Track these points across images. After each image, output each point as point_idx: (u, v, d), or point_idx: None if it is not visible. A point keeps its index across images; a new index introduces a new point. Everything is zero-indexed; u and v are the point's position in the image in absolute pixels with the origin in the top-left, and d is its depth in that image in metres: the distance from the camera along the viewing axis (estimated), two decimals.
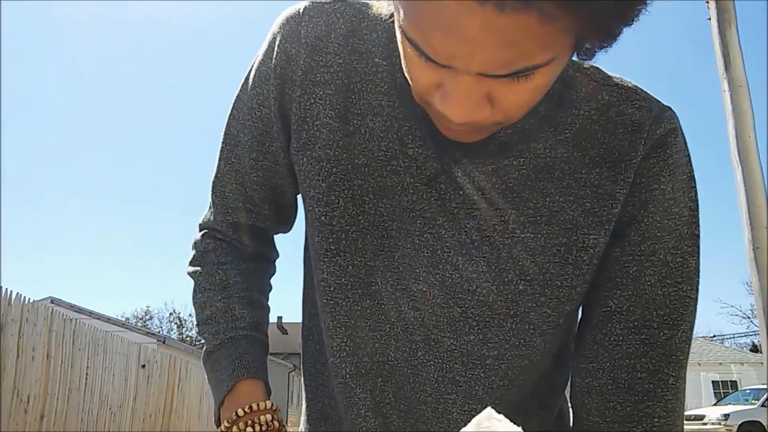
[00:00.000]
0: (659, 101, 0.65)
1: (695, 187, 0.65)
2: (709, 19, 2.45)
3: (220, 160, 0.75)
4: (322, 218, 0.67)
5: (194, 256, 0.78)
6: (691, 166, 0.65)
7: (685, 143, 0.64)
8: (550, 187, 0.63)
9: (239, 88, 0.73)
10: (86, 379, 6.99)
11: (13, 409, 5.44)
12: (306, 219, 0.72)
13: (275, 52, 0.68)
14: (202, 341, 0.76)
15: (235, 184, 0.74)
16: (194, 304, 0.76)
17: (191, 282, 0.78)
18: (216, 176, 0.76)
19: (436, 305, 0.66)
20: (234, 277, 0.75)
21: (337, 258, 0.67)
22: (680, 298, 0.63)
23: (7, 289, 5.41)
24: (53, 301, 12.45)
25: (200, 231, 0.79)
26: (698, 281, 0.65)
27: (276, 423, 0.68)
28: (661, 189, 0.62)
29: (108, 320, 13.30)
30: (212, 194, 0.76)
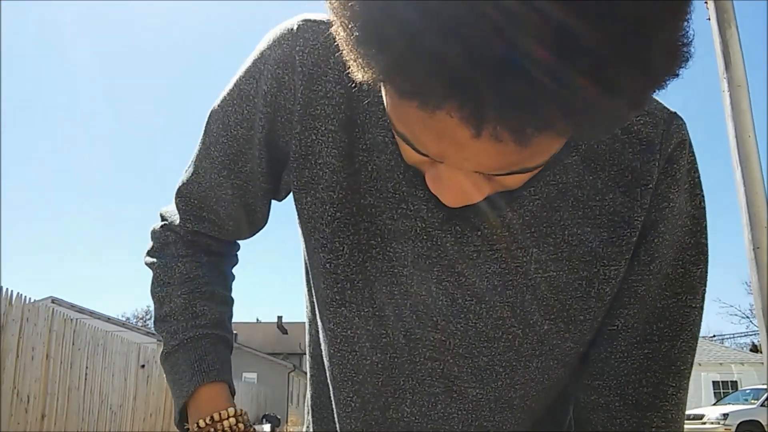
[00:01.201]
0: (663, 108, 0.61)
1: (701, 194, 0.62)
2: (709, 19, 2.45)
3: (191, 165, 0.71)
4: (327, 265, 0.63)
5: (153, 246, 0.74)
6: (697, 172, 0.62)
7: (692, 151, 0.62)
8: (567, 217, 0.59)
9: (218, 100, 0.67)
10: (86, 378, 6.98)
11: (14, 408, 5.44)
12: (307, 252, 0.67)
13: (265, 77, 0.61)
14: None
15: (200, 195, 0.69)
16: (152, 298, 0.72)
17: (149, 273, 0.73)
18: (183, 182, 0.71)
19: (458, 356, 0.62)
20: (195, 270, 0.71)
21: (343, 309, 0.64)
22: (680, 309, 0.62)
23: (7, 288, 5.41)
24: (54, 300, 12.46)
25: (161, 221, 0.74)
26: (703, 290, 0.63)
27: (241, 425, 0.66)
28: (670, 207, 0.60)
29: (108, 320, 13.31)
30: (176, 198, 0.72)
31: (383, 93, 0.44)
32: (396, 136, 0.48)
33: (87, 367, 7.02)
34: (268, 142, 0.63)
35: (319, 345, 0.72)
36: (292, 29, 0.61)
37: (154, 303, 0.72)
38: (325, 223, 0.62)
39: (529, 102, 0.33)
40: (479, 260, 0.59)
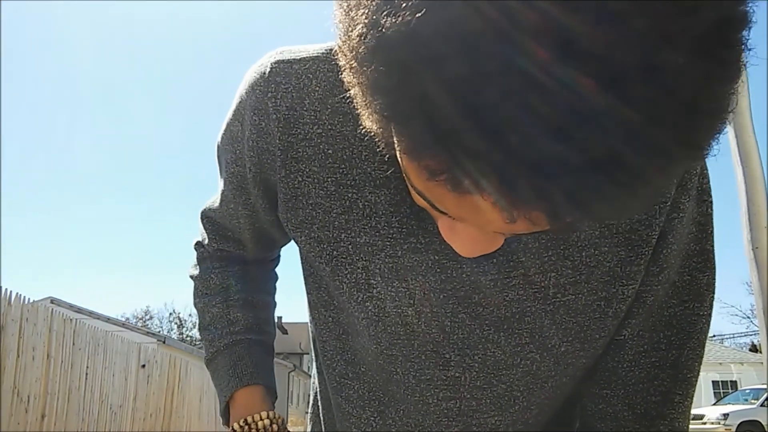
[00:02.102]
0: None
1: (708, 200, 0.60)
2: None
3: (217, 190, 0.73)
4: (334, 302, 0.64)
5: (195, 258, 0.80)
6: (706, 178, 0.60)
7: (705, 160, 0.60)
8: (584, 238, 0.57)
9: (219, 134, 0.68)
10: (86, 378, 6.98)
11: (14, 408, 5.44)
12: (307, 287, 0.68)
13: (245, 123, 0.61)
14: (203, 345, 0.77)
15: (221, 219, 0.73)
16: (195, 308, 0.78)
17: (190, 283, 0.79)
18: (207, 206, 0.76)
19: (475, 389, 0.61)
20: (228, 279, 0.76)
21: (359, 338, 0.64)
22: (686, 316, 0.61)
23: (7, 289, 5.42)
24: (53, 301, 12.44)
25: (199, 237, 0.79)
26: (711, 297, 0.62)
27: (275, 426, 0.68)
28: (680, 217, 0.58)
29: (108, 320, 13.28)
30: (201, 219, 0.77)
31: (395, 143, 0.38)
32: (409, 187, 0.44)
33: (87, 367, 7.02)
34: (261, 181, 0.64)
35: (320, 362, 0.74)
36: (264, 74, 0.60)
37: (198, 313, 0.77)
38: (325, 262, 0.61)
39: (573, 200, 0.31)
40: (496, 289, 0.58)
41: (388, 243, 0.58)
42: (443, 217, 0.43)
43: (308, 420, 0.84)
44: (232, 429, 0.69)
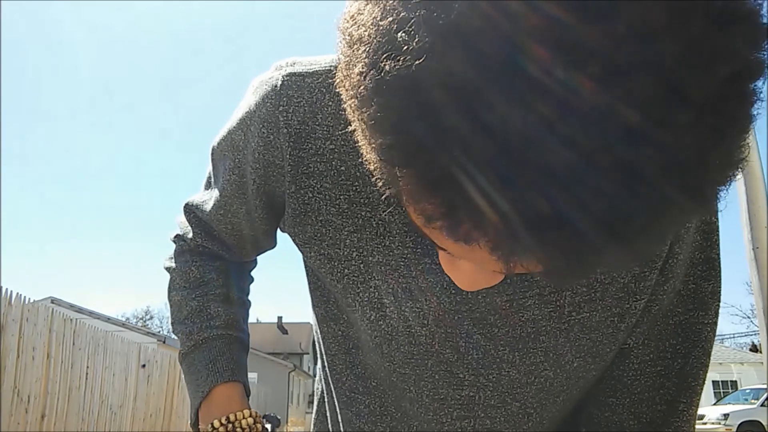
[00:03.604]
0: None
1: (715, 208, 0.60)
2: None
3: (202, 187, 0.72)
4: (344, 316, 0.63)
5: (172, 253, 0.77)
6: None
7: None
8: None
9: (217, 137, 0.66)
10: (86, 378, 6.98)
11: (14, 408, 5.43)
12: (313, 299, 0.68)
13: (252, 134, 0.60)
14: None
15: (207, 219, 0.71)
16: (170, 301, 0.74)
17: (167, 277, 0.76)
18: (194, 202, 0.73)
19: (489, 407, 0.61)
20: (209, 273, 0.73)
21: (371, 354, 0.63)
22: (691, 325, 0.61)
23: (7, 289, 5.41)
24: (53, 301, 12.44)
25: (174, 232, 0.77)
26: (716, 305, 0.61)
27: (259, 426, 0.67)
28: (687, 227, 0.58)
29: (108, 320, 13.28)
30: (186, 213, 0.74)
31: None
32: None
33: (87, 367, 7.02)
34: (265, 193, 0.62)
35: (327, 374, 0.73)
36: (276, 86, 0.58)
37: (172, 306, 0.74)
38: (336, 279, 0.60)
39: (571, 255, 0.31)
40: (512, 309, 0.57)
41: (401, 263, 0.57)
42: (443, 251, 0.42)
43: (312, 426, 0.83)
44: (212, 426, 0.65)
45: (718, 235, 0.60)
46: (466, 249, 0.35)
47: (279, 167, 0.59)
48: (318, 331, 0.71)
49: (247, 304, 0.77)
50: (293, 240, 0.63)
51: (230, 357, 0.70)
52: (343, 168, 0.57)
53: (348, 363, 0.67)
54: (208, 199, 0.70)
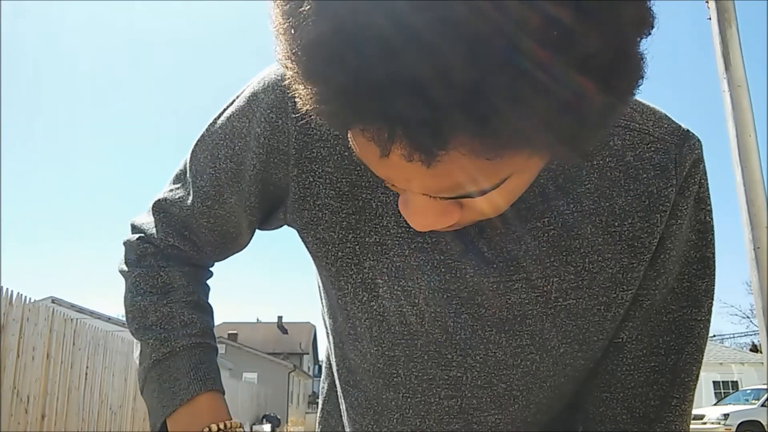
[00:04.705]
0: (674, 130, 0.59)
1: (706, 207, 0.61)
2: (709, 18, 2.45)
3: (174, 184, 0.70)
4: (339, 301, 0.64)
5: (129, 256, 0.72)
6: (705, 186, 0.60)
7: (704, 167, 0.60)
8: (585, 244, 0.58)
9: (206, 127, 0.67)
10: (86, 378, 6.99)
11: (14, 408, 5.44)
12: (321, 283, 0.69)
13: (258, 120, 0.61)
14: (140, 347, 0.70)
15: (183, 216, 0.69)
16: (130, 307, 0.70)
17: (123, 281, 0.72)
18: (166, 199, 0.70)
19: (476, 387, 0.63)
20: (178, 280, 0.71)
21: (357, 344, 0.65)
22: (685, 322, 0.62)
23: (8, 289, 5.41)
24: (54, 300, 12.45)
25: (135, 234, 0.73)
26: (709, 303, 0.62)
27: None
28: (678, 224, 0.59)
29: (108, 320, 13.29)
30: (156, 211, 0.71)
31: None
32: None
33: (87, 367, 7.02)
34: (262, 180, 0.63)
35: (331, 367, 0.75)
36: (285, 74, 0.59)
37: (133, 312, 0.70)
38: (330, 263, 0.62)
39: (425, 119, 0.32)
40: (498, 291, 0.59)
41: (397, 242, 0.59)
42: (402, 193, 0.46)
43: (317, 424, 0.85)
44: (208, 429, 0.64)
45: (713, 234, 0.61)
46: (381, 166, 0.40)
47: (282, 152, 0.61)
48: (326, 325, 0.73)
49: (212, 312, 0.75)
50: (293, 227, 0.65)
51: (210, 366, 0.68)
52: (346, 153, 0.59)
53: (340, 357, 0.69)
54: (185, 194, 0.68)
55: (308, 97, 0.36)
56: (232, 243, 0.71)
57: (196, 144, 0.68)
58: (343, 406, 0.72)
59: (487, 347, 0.61)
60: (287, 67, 0.37)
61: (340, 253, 0.61)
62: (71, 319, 6.80)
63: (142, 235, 0.72)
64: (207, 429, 0.64)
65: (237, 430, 0.66)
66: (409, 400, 0.64)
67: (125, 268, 0.72)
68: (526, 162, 0.39)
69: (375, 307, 0.62)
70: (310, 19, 0.34)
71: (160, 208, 0.71)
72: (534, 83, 0.31)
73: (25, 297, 5.72)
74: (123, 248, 0.74)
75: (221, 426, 0.64)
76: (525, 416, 0.65)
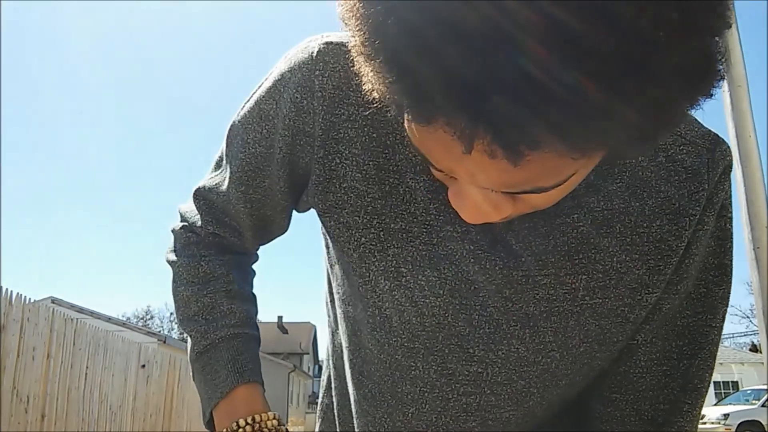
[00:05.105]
0: (706, 134, 0.58)
1: (728, 215, 0.60)
2: None
3: (213, 171, 0.71)
4: (360, 289, 0.63)
5: (176, 245, 0.74)
6: (730, 193, 0.60)
7: (730, 176, 0.59)
8: (614, 243, 0.57)
9: (238, 114, 0.67)
10: (86, 378, 6.98)
11: (14, 408, 5.44)
12: (342, 270, 0.67)
13: (285, 100, 0.60)
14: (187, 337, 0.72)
15: (221, 203, 0.70)
16: (176, 297, 0.72)
17: (170, 270, 0.74)
18: (205, 186, 0.71)
19: (496, 384, 0.62)
20: (219, 269, 0.72)
21: (375, 333, 0.63)
22: (699, 328, 0.61)
23: (8, 289, 5.41)
24: (54, 300, 12.45)
25: (181, 222, 0.74)
26: (724, 309, 0.62)
27: (283, 428, 0.66)
28: (705, 230, 0.58)
29: (109, 320, 13.29)
30: (196, 199, 0.72)
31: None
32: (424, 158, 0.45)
33: (87, 367, 7.02)
34: (289, 162, 0.62)
35: (341, 357, 0.72)
36: (312, 53, 0.59)
37: (178, 302, 0.72)
38: (353, 248, 0.61)
39: (517, 120, 0.32)
40: (528, 285, 0.58)
41: (424, 230, 0.58)
42: (452, 185, 0.45)
43: (317, 417, 0.83)
44: (237, 425, 0.65)
45: (731, 242, 0.61)
46: (439, 150, 0.39)
47: (308, 134, 0.60)
48: (333, 316, 0.72)
49: (255, 299, 0.76)
50: (317, 211, 0.64)
51: (248, 357, 0.69)
52: (374, 135, 0.58)
53: (356, 345, 0.67)
54: (222, 180, 0.69)
55: (384, 84, 0.35)
56: (271, 227, 0.71)
57: (230, 129, 0.67)
58: (353, 397, 0.70)
59: (510, 342, 0.59)
60: (362, 52, 0.36)
61: (363, 239, 0.60)
62: (71, 319, 6.80)
63: (186, 223, 0.73)
64: (235, 424, 0.65)
65: (269, 422, 0.66)
66: (426, 394, 0.63)
67: (172, 257, 0.74)
68: (595, 159, 0.40)
69: (397, 297, 0.60)
70: (403, 7, 0.33)
71: (200, 195, 0.72)
72: (621, 86, 0.31)
73: (25, 297, 5.72)
74: (171, 236, 0.75)
75: (249, 420, 0.65)
76: (536, 412, 0.64)
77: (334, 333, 0.76)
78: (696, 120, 0.59)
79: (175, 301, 0.72)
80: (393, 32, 0.34)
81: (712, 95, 0.36)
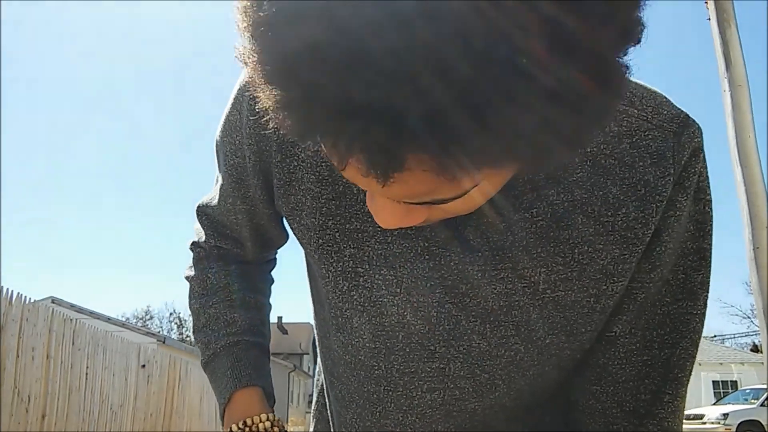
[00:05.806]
0: (674, 117, 0.56)
1: (706, 197, 0.58)
2: (709, 19, 2.45)
3: (212, 186, 0.73)
4: (323, 290, 0.64)
5: (191, 261, 0.78)
6: (704, 176, 0.58)
7: (704, 156, 0.57)
8: (577, 235, 0.55)
9: (217, 129, 0.68)
10: (86, 378, 6.98)
11: (14, 408, 5.44)
12: (307, 263, 0.69)
13: (244, 109, 0.62)
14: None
15: (219, 216, 0.72)
16: (190, 310, 0.77)
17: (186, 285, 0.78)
18: (204, 202, 0.74)
19: (459, 378, 0.61)
20: (224, 279, 0.75)
21: (339, 334, 0.65)
22: (680, 315, 0.60)
23: (7, 289, 5.41)
24: (54, 300, 12.43)
25: (194, 236, 0.78)
26: (705, 296, 0.60)
27: (276, 429, 0.68)
28: (677, 216, 0.56)
29: (108, 320, 13.27)
30: (198, 216, 0.76)
31: None
32: None
33: (87, 367, 7.02)
34: (261, 170, 0.64)
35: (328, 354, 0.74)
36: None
37: (192, 315, 0.76)
38: (313, 249, 0.62)
39: (378, 142, 0.32)
40: (484, 280, 0.57)
41: (378, 229, 0.58)
42: (369, 190, 0.45)
43: (312, 417, 0.85)
44: (230, 430, 0.67)
45: (711, 225, 0.59)
46: (347, 171, 0.38)
47: (268, 138, 0.61)
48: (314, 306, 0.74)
49: (265, 307, 0.79)
50: (282, 213, 0.65)
51: (247, 362, 0.71)
52: None
53: (327, 347, 0.69)
54: (215, 194, 0.71)
55: (268, 100, 0.35)
56: (268, 235, 0.72)
57: (215, 145, 0.70)
58: (328, 399, 0.72)
59: (471, 338, 0.59)
60: (249, 66, 0.36)
61: (321, 240, 0.60)
62: (71, 319, 6.80)
63: (195, 240, 0.77)
64: (229, 429, 0.67)
65: (260, 424, 0.67)
66: (390, 393, 0.63)
67: (188, 273, 0.78)
68: (494, 173, 0.39)
69: (355, 297, 0.61)
70: (279, 24, 0.33)
71: (201, 211, 0.75)
72: (499, 110, 0.30)
73: (25, 297, 5.72)
74: (189, 251, 0.79)
75: (240, 425, 0.67)
76: (504, 402, 0.64)
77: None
78: (667, 101, 0.57)
79: (191, 315, 0.76)
80: (269, 48, 0.34)
81: (618, 96, 0.35)
